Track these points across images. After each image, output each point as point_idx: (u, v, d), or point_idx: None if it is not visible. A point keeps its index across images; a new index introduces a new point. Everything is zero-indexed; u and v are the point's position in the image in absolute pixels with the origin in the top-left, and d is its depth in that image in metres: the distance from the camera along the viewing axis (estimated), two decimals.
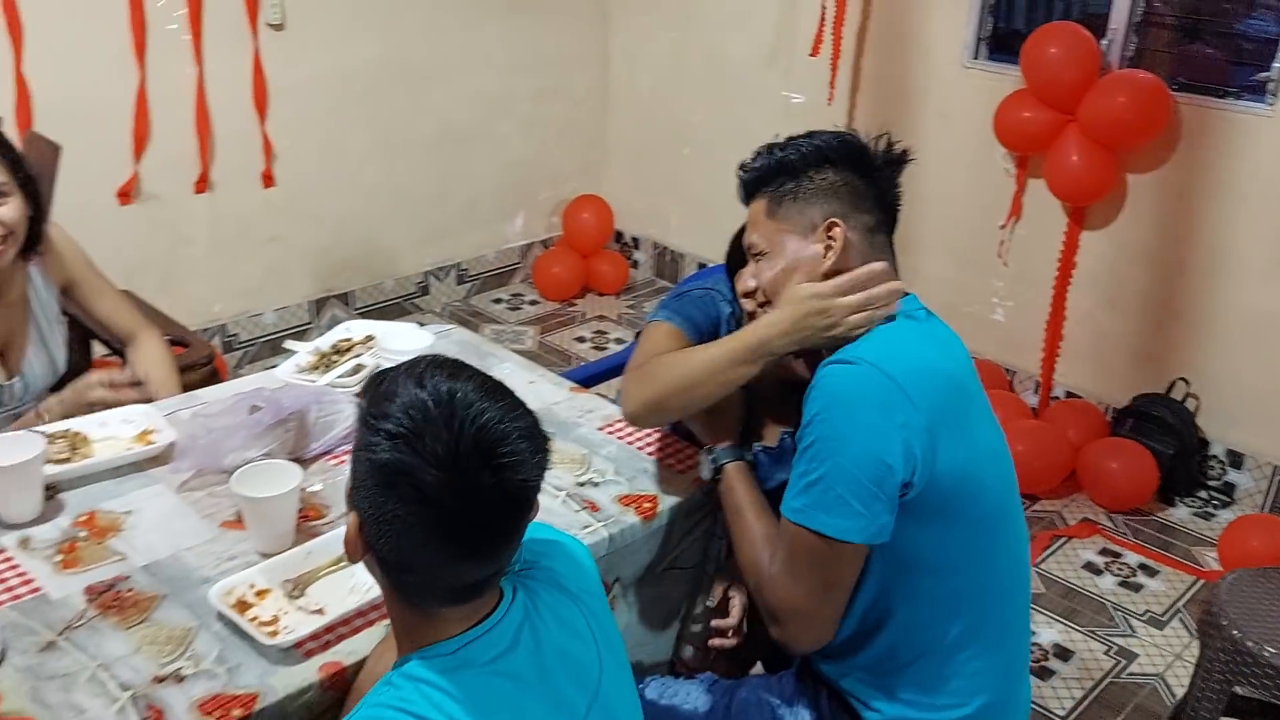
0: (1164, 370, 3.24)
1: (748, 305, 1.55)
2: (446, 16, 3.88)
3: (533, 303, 4.40)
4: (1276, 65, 2.89)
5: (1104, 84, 3.04)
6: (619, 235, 4.64)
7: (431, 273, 4.23)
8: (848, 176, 1.47)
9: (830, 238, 1.44)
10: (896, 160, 1.50)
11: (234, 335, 3.67)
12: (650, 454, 1.82)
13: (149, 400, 1.88)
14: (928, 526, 1.37)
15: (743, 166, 1.54)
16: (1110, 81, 3.04)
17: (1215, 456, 3.21)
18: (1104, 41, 3.12)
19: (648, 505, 1.66)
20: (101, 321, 2.12)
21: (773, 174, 1.50)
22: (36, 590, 1.40)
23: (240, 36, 3.36)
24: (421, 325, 2.02)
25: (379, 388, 1.08)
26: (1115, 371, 3.35)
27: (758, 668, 1.89)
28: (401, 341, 1.86)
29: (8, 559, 1.45)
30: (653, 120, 4.39)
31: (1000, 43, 3.44)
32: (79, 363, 2.26)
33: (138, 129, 3.21)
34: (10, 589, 1.39)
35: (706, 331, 1.74)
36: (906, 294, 1.46)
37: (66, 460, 1.62)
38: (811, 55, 3.60)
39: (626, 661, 1.25)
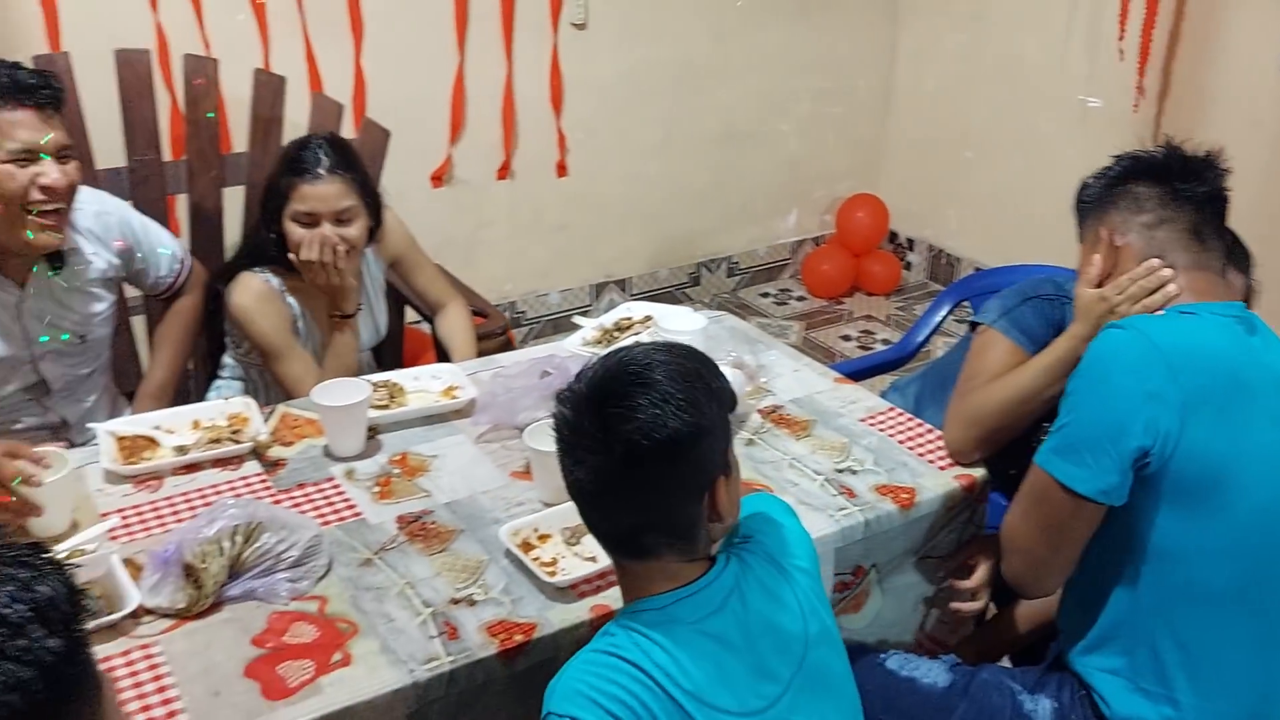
0: None
1: None
2: (736, 19, 4.00)
3: (800, 299, 4.46)
4: None
5: None
6: (893, 236, 4.61)
7: (704, 264, 4.37)
8: (1142, 188, 1.52)
9: (1109, 245, 1.53)
10: (1199, 166, 1.51)
11: (521, 312, 3.96)
12: (911, 449, 1.85)
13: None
14: (1174, 509, 1.37)
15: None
16: None
17: None
18: None
19: (905, 496, 1.70)
20: (418, 292, 2.39)
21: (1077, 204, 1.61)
22: (358, 514, 1.62)
23: (544, 35, 3.62)
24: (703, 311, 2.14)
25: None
26: None
27: (1004, 662, 1.89)
28: (677, 322, 1.99)
29: (336, 486, 1.69)
30: (935, 122, 4.33)
31: None
32: (394, 327, 2.55)
33: (454, 118, 3.53)
34: (337, 511, 1.62)
35: (1046, 344, 1.72)
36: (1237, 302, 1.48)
37: (385, 407, 1.86)
38: (1120, 60, 3.44)
39: (839, 641, 1.31)
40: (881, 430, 1.90)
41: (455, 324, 2.33)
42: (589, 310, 4.06)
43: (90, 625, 1.30)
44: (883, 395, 2.28)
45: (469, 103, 3.55)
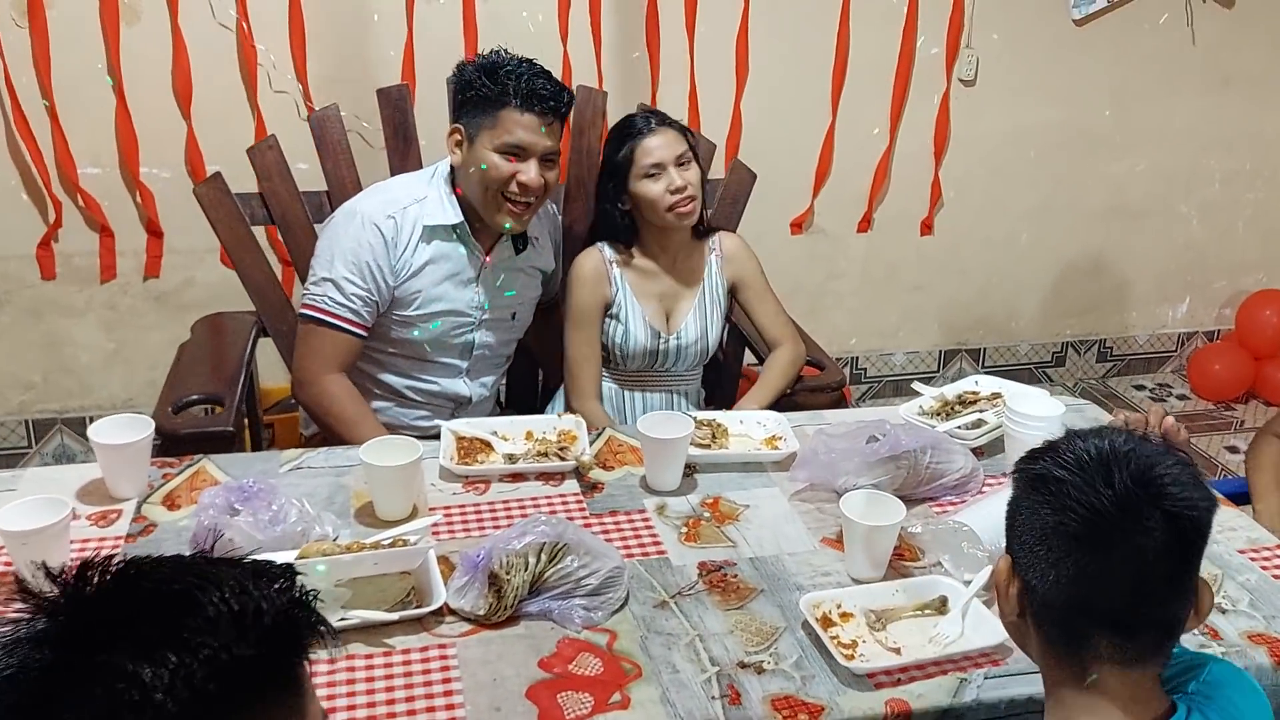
0: None
1: None
2: (1142, 84, 3.67)
3: (1181, 397, 4.00)
4: None
5: None
6: None
7: (1071, 344, 4.04)
8: None
9: None
10: None
11: (863, 369, 3.83)
12: None
13: None
14: None
15: None
16: None
17: None
18: None
19: None
20: (758, 325, 2.37)
21: None
22: (663, 553, 1.59)
23: (927, 89, 3.49)
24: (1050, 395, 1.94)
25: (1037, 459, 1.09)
26: None
27: None
28: (1030, 406, 1.81)
29: (646, 519, 1.68)
30: None
31: None
32: (733, 364, 2.53)
33: (820, 168, 3.49)
34: (643, 545, 1.61)
35: None
36: None
37: (706, 446, 1.83)
38: None
39: None
40: (1265, 568, 1.62)
41: (778, 360, 2.31)
42: (933, 378, 3.87)
43: (396, 615, 1.38)
44: None
45: (839, 152, 3.49)
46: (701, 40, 3.24)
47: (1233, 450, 3.62)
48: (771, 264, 2.47)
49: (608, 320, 2.24)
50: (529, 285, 2.30)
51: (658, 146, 2.16)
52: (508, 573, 1.40)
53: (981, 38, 3.46)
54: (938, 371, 3.90)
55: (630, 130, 2.20)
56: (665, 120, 2.21)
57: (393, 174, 2.37)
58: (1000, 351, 3.97)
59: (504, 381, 2.47)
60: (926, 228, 3.69)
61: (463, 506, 1.68)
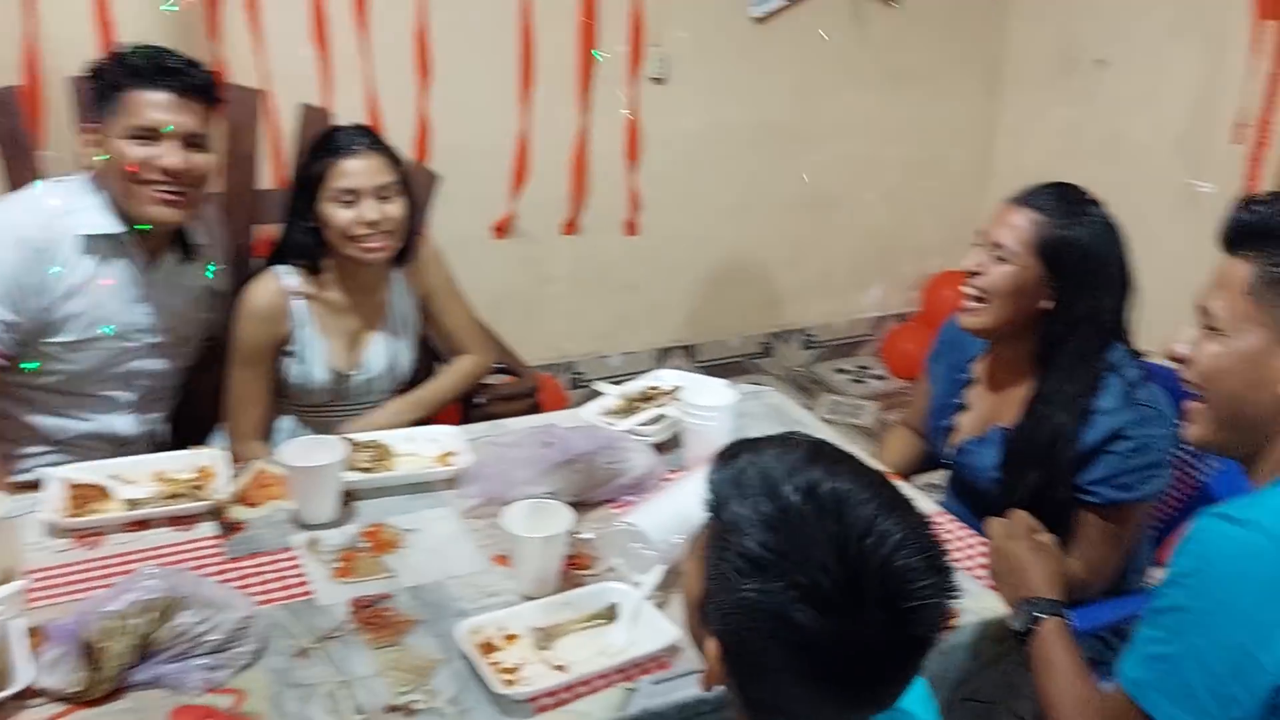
0: None
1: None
2: (823, 82, 3.82)
3: (878, 378, 4.19)
4: None
5: None
6: None
7: (777, 335, 4.15)
8: None
9: None
10: None
11: (580, 373, 3.78)
12: (957, 560, 1.60)
13: None
14: None
15: (1248, 205, 1.19)
16: None
17: None
18: None
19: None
20: (445, 332, 2.24)
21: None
22: (309, 594, 1.43)
23: (622, 88, 3.48)
24: (734, 384, 1.92)
25: (732, 467, 0.91)
26: None
27: None
28: (706, 396, 1.78)
29: (293, 558, 1.51)
30: None
31: None
32: (422, 374, 2.39)
33: (517, 170, 3.40)
34: (287, 588, 1.44)
35: None
36: None
37: (369, 470, 1.68)
38: (1234, 142, 3.15)
39: None
40: None
41: (455, 367, 2.20)
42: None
43: None
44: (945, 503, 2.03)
45: (537, 154, 3.42)
46: (377, 38, 3.08)
47: None
48: (476, 270, 2.37)
49: (282, 358, 2.04)
50: (200, 305, 2.09)
51: (356, 171, 1.94)
52: (105, 640, 1.21)
53: (669, 36, 3.49)
54: (653, 370, 3.88)
55: (330, 146, 1.98)
56: (376, 145, 1.99)
57: (12, 189, 2.09)
58: (712, 346, 4.03)
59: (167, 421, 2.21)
60: (631, 228, 3.68)
61: (68, 566, 1.46)
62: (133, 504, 1.58)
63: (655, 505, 1.53)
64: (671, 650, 1.33)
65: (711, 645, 0.90)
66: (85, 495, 1.58)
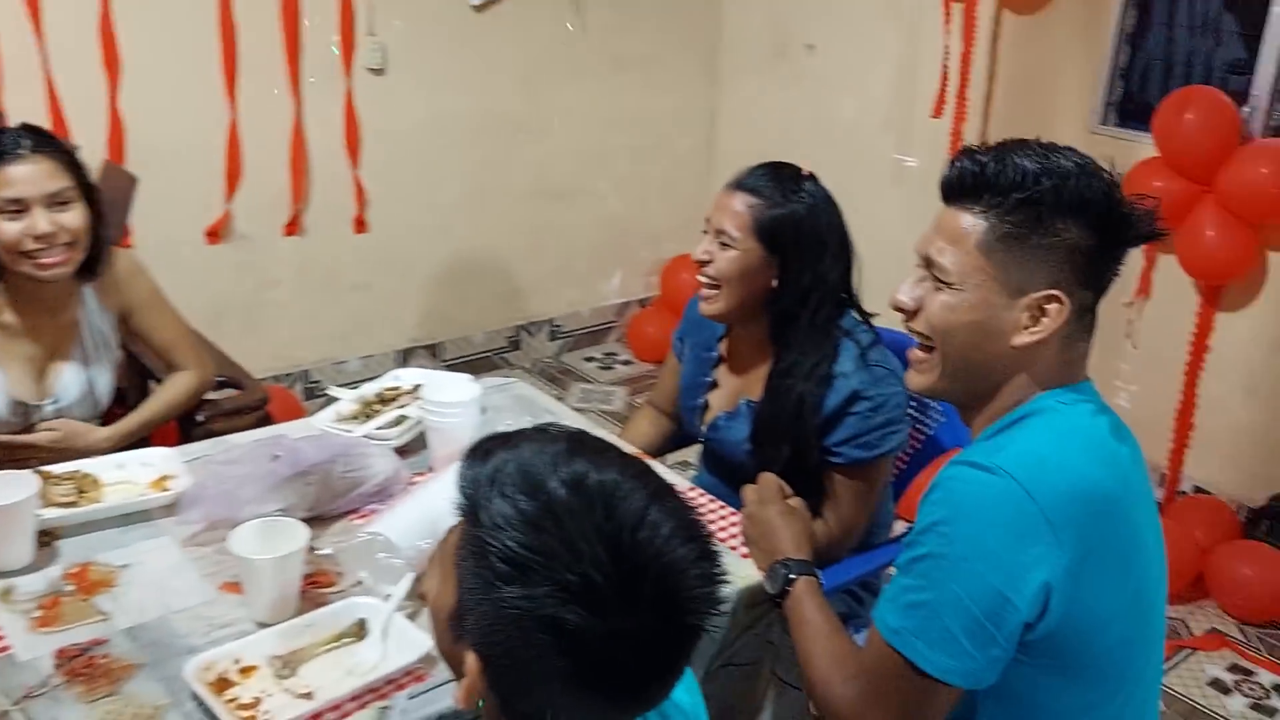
0: None
1: (904, 320, 1.25)
2: (548, 70, 3.81)
3: (626, 363, 4.25)
4: None
5: (1245, 154, 2.75)
6: None
7: (523, 327, 4.12)
8: (1093, 241, 1.15)
9: (1043, 312, 1.15)
10: (1150, 234, 1.18)
11: (316, 382, 3.60)
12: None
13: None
14: (1046, 673, 1.15)
15: (971, 154, 1.18)
16: (1252, 151, 2.75)
17: None
18: (1245, 109, 2.85)
19: None
20: (157, 349, 2.05)
21: (1009, 194, 1.14)
22: (5, 649, 1.27)
23: (338, 79, 3.33)
24: (478, 379, 1.86)
25: (486, 465, 0.84)
26: (1251, 467, 3.01)
27: None
28: (447, 393, 1.71)
29: None
30: None
31: (1131, 109, 3.18)
32: (136, 399, 2.18)
33: (229, 169, 3.19)
34: None
35: None
36: (1084, 379, 1.22)
37: (71, 504, 1.51)
38: (934, 116, 3.39)
39: None
40: None
41: (170, 385, 2.02)
42: None
43: None
44: (698, 478, 2.06)
45: (250, 151, 3.21)
46: (54, 32, 2.80)
47: None
48: (190, 278, 2.18)
49: None
50: None
51: (22, 179, 1.74)
52: None
53: (384, 25, 3.36)
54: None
55: None
56: (44, 147, 1.78)
57: None
58: (456, 343, 3.94)
59: None
60: (360, 224, 3.54)
61: None
62: None
63: (401, 511, 1.46)
64: (428, 661, 1.27)
65: (470, 660, 0.83)
66: None
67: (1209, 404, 3.04)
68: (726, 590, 0.84)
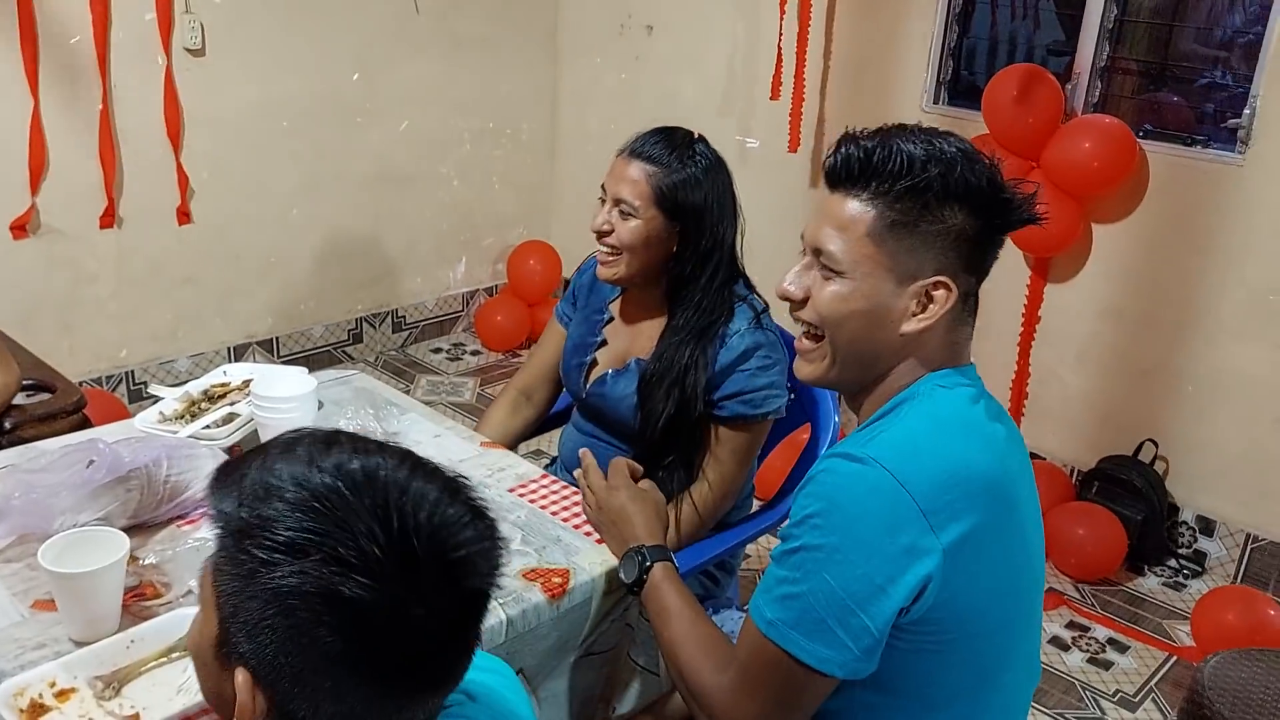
0: (1132, 431, 3.05)
1: (791, 309, 1.23)
2: (382, 50, 3.68)
3: (474, 353, 4.16)
4: (1248, 112, 2.74)
5: (1068, 129, 2.89)
6: (567, 283, 4.41)
7: (365, 319, 3.98)
8: (977, 226, 1.15)
9: (930, 298, 1.15)
10: (1030, 218, 1.18)
11: (142, 383, 3.39)
12: (564, 520, 1.58)
13: None
14: (921, 655, 1.15)
15: (855, 140, 1.17)
16: (1074, 127, 2.89)
17: (1185, 523, 3.02)
18: (1068, 86, 2.98)
19: (557, 581, 1.42)
20: None
21: (896, 181, 1.13)
22: None
23: (153, 61, 3.13)
24: (308, 372, 1.77)
25: (242, 485, 0.80)
26: (1081, 432, 3.16)
27: None
28: (279, 387, 1.62)
29: None
30: (602, 164, 4.11)
31: (960, 88, 3.29)
32: None
33: (33, 158, 2.96)
34: None
35: None
36: (968, 363, 1.22)
37: None
38: (772, 99, 3.43)
39: None
40: (533, 501, 1.63)
41: None
42: None
43: None
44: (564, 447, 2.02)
45: (59, 139, 2.99)
46: None
47: None
48: None
49: None
50: None
51: None
52: None
53: (202, 3, 3.18)
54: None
55: None
56: None
57: None
58: (294, 338, 3.78)
59: None
60: (184, 215, 3.34)
61: None
62: None
63: None
64: None
65: (240, 677, 0.78)
66: None
67: (1040, 373, 3.19)
68: (504, 551, 0.83)
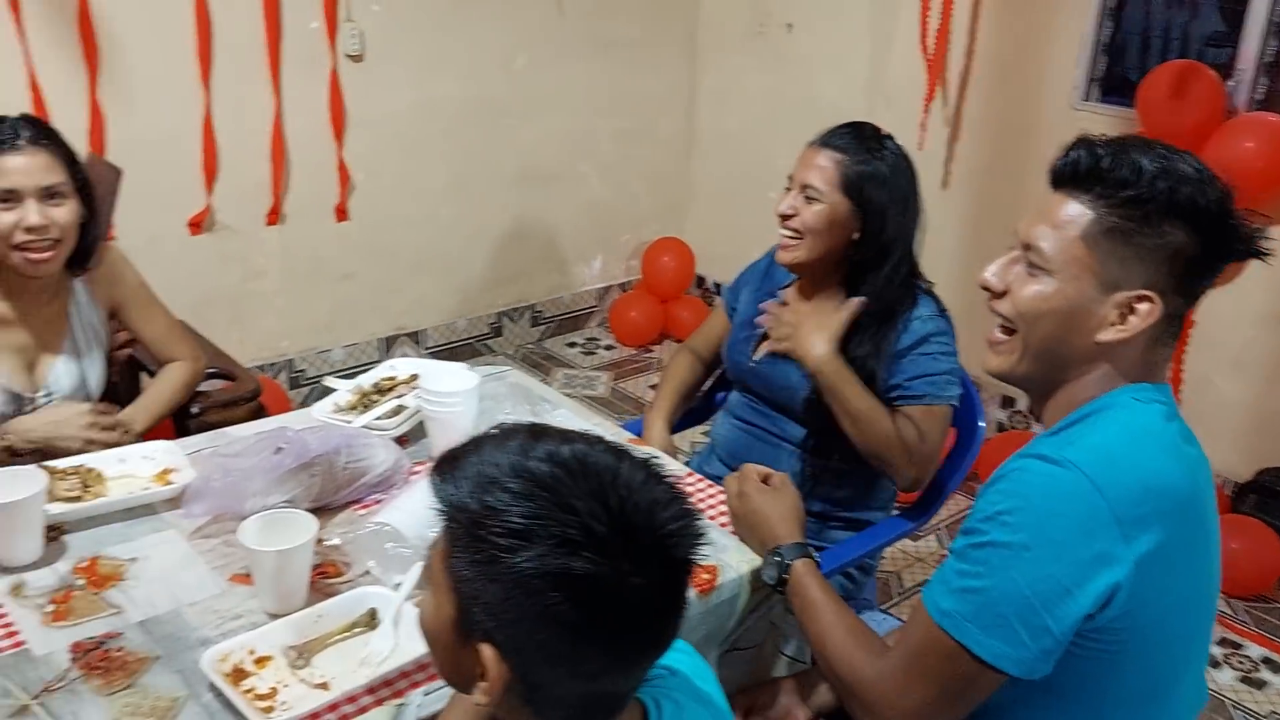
0: None
1: (990, 299, 1.24)
2: (530, 54, 3.79)
3: (608, 348, 4.25)
4: None
5: (1230, 127, 2.78)
6: (700, 280, 4.48)
7: (505, 313, 4.11)
8: (1196, 248, 1.13)
9: (1132, 310, 1.14)
10: (1255, 252, 1.16)
11: (301, 371, 3.59)
12: (711, 518, 1.63)
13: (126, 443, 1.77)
14: (1095, 661, 1.15)
15: (1089, 144, 1.17)
16: (1237, 125, 2.78)
17: None
18: (1230, 83, 2.88)
19: (706, 577, 1.47)
20: (147, 343, 2.04)
21: (1121, 189, 1.12)
22: (19, 644, 1.26)
23: (319, 66, 3.30)
24: (472, 366, 1.87)
25: (464, 477, 0.87)
26: (1237, 442, 3.05)
27: None
28: (445, 382, 1.71)
29: None
30: (739, 163, 4.24)
31: (1114, 84, 3.20)
32: (126, 394, 2.17)
33: (207, 159, 3.16)
34: None
35: None
36: (1163, 382, 1.21)
37: (76, 499, 1.50)
38: (928, 101, 3.41)
39: None
40: None
41: (165, 377, 2.01)
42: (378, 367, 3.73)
43: None
44: (692, 460, 2.08)
45: (230, 140, 3.18)
46: (33, 20, 2.76)
47: (655, 388, 3.88)
48: (174, 270, 2.16)
49: None
50: None
51: (17, 169, 1.72)
52: None
53: (362, 10, 3.34)
54: (380, 361, 3.74)
55: None
56: (42, 139, 1.76)
57: None
58: (439, 331, 3.93)
59: None
60: (342, 213, 3.52)
61: None
62: None
63: (406, 501, 1.47)
64: None
65: (486, 651, 0.86)
66: None
67: (1194, 380, 3.08)
68: (703, 524, 0.90)
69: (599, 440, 0.92)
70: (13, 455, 1.74)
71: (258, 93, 3.20)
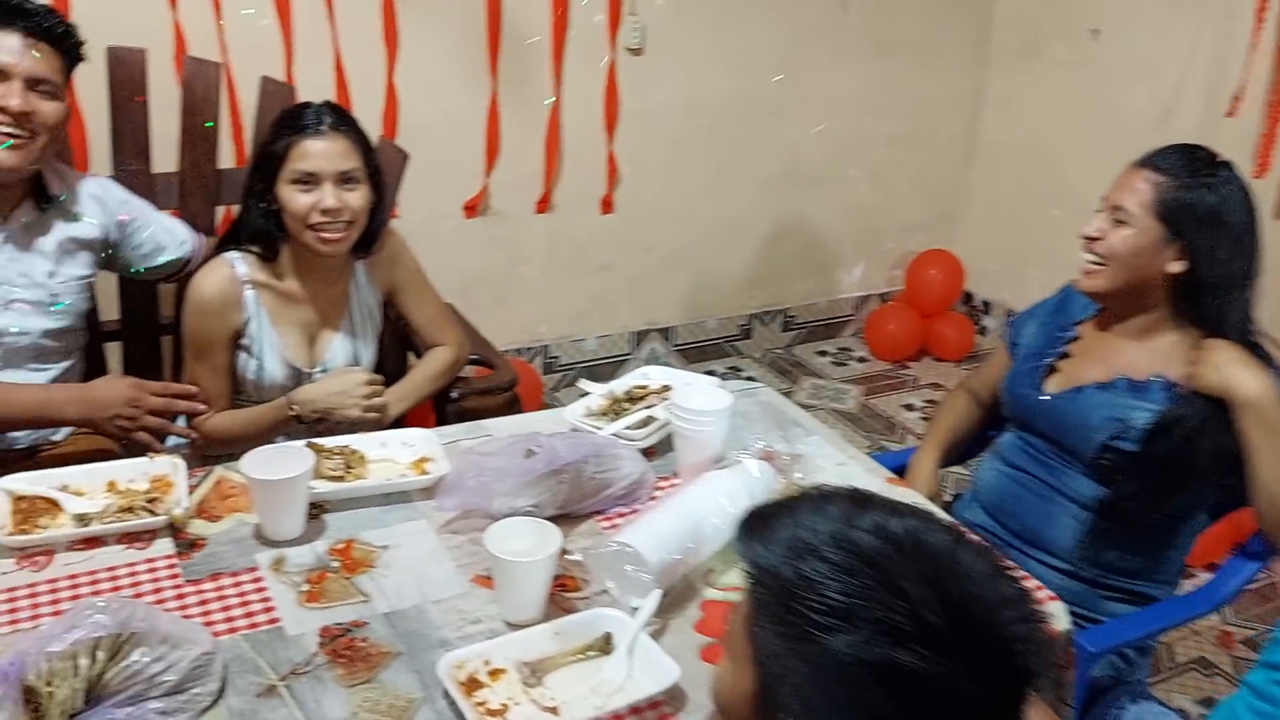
0: None
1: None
2: (808, 53, 3.69)
3: (861, 360, 4.10)
4: None
5: None
6: (968, 297, 4.24)
7: (756, 316, 4.04)
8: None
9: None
10: None
11: (555, 358, 3.66)
12: None
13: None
14: None
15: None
16: None
17: None
18: None
19: None
20: (415, 327, 2.12)
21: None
22: (275, 622, 1.31)
23: (599, 58, 3.33)
24: (723, 377, 1.81)
25: (775, 538, 0.80)
26: None
27: None
28: (698, 400, 1.66)
29: (257, 580, 1.38)
30: (1022, 175, 3.97)
31: None
32: (394, 372, 2.26)
33: (489, 145, 3.26)
34: (250, 615, 1.32)
35: None
36: None
37: (339, 479, 1.56)
38: (1228, 115, 3.06)
39: None
40: None
41: (431, 360, 2.08)
42: (629, 359, 3.75)
43: None
44: (952, 503, 1.94)
45: (510, 128, 3.27)
46: (343, 7, 2.92)
47: (909, 408, 3.73)
48: (447, 251, 2.24)
49: (237, 351, 1.91)
50: (70, 261, 1.92)
51: (319, 154, 1.81)
52: (49, 684, 1.08)
53: (646, 5, 3.34)
54: (631, 353, 3.78)
55: (295, 123, 1.83)
56: (342, 126, 1.85)
57: None
58: (689, 328, 3.91)
59: None
60: (607, 205, 3.55)
61: (14, 590, 1.33)
62: (82, 519, 1.44)
63: (649, 522, 1.42)
64: (676, 694, 1.22)
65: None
66: (32, 509, 1.44)
67: None
68: (1048, 639, 0.81)
69: (931, 516, 0.81)
70: (299, 423, 1.84)
71: (540, 82, 3.26)
